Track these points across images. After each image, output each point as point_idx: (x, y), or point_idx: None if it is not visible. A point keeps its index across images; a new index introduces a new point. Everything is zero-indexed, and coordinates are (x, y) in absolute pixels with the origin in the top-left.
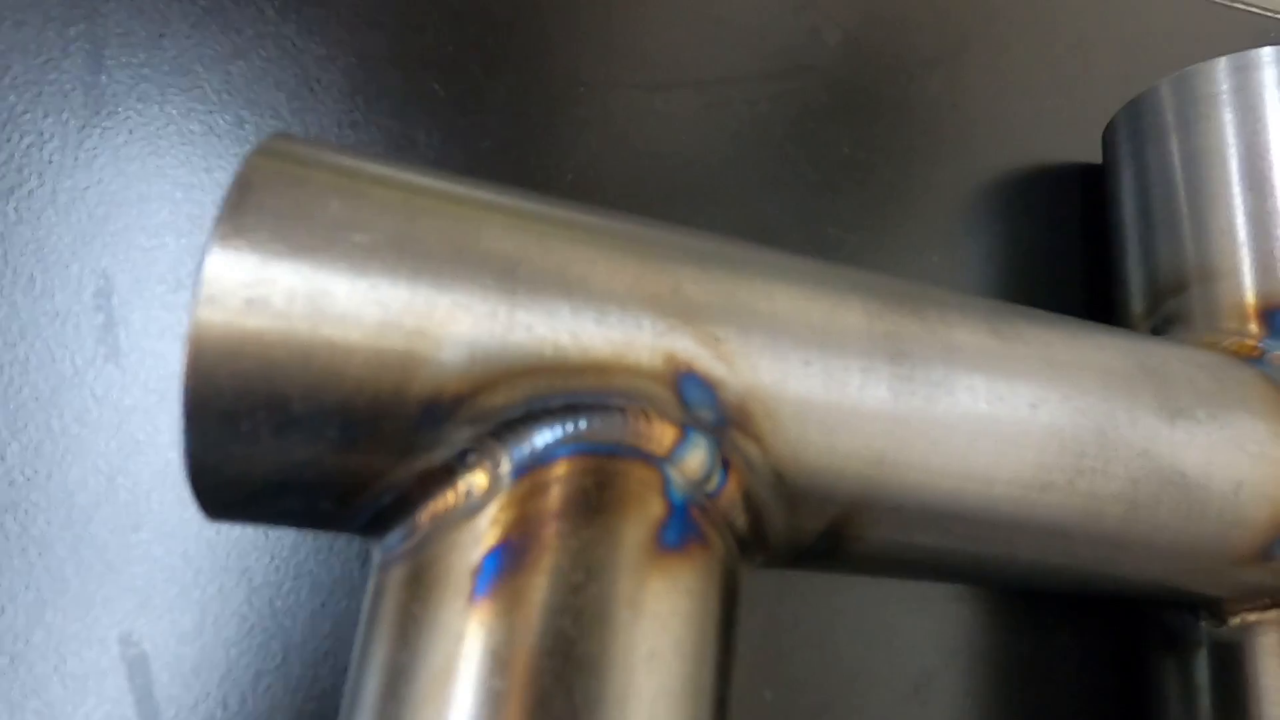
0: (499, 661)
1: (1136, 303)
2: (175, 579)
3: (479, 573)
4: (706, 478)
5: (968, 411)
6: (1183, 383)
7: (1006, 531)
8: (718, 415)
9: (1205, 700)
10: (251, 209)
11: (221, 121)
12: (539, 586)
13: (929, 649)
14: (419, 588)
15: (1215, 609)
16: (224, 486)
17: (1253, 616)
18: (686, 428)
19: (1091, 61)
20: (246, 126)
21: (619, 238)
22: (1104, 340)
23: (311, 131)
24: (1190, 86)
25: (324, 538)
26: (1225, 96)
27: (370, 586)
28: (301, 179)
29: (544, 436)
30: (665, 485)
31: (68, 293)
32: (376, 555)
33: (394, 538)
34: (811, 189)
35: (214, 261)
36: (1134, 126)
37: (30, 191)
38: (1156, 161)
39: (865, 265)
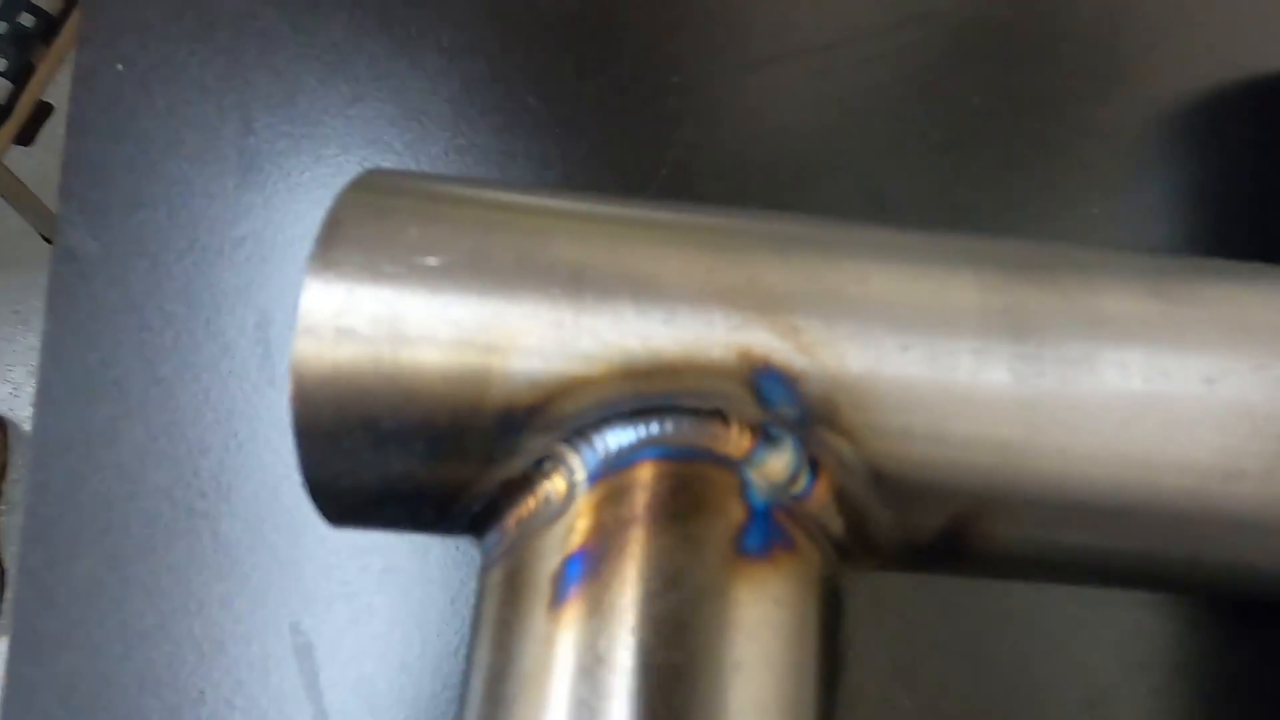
0: (581, 669)
1: None
2: (335, 577)
3: (560, 578)
4: (792, 479)
5: (1118, 391)
6: None
7: (1180, 528)
8: (801, 412)
9: None
10: (339, 242)
11: (347, 164)
12: (617, 594)
13: (1108, 660)
14: (510, 591)
15: None
16: (336, 498)
17: None
18: (766, 426)
19: None
20: (367, 164)
21: (694, 231)
22: (1266, 279)
23: (422, 162)
24: None
25: (460, 540)
26: None
27: (476, 587)
28: (385, 209)
29: (617, 441)
30: (744, 489)
31: (234, 330)
32: (480, 558)
33: (490, 541)
34: (936, 149)
35: (308, 295)
36: None
37: (202, 245)
38: None
39: (1004, 230)
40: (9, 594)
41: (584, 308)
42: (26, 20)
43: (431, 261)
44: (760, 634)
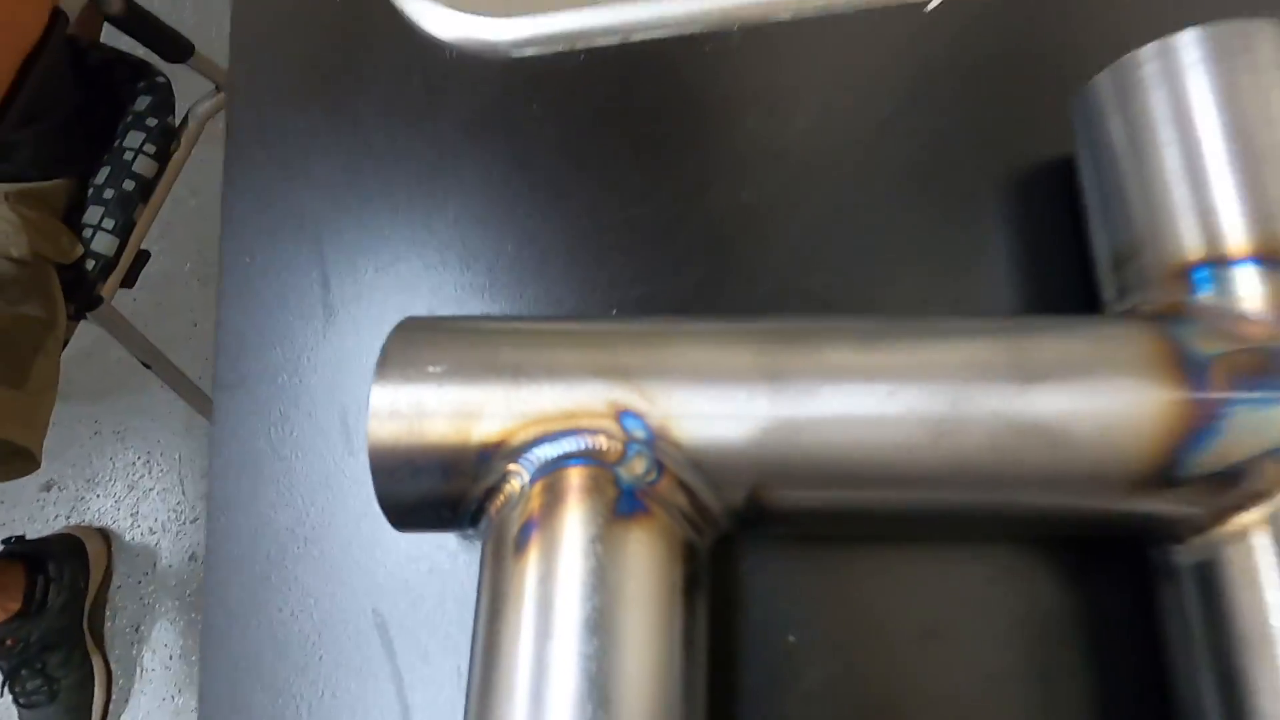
0: (538, 583)
1: (1103, 266)
2: (400, 574)
3: (519, 537)
4: (648, 472)
5: (832, 405)
6: (1047, 351)
7: (890, 485)
8: (648, 433)
9: (1195, 623)
10: (389, 365)
11: (389, 307)
12: (552, 539)
13: (940, 600)
14: (493, 553)
15: (1177, 536)
16: (395, 508)
17: (1201, 538)
18: (629, 444)
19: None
20: (404, 308)
21: (586, 335)
22: (974, 333)
23: (439, 299)
24: (1125, 73)
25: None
26: (1154, 78)
27: (480, 557)
28: (411, 342)
29: (545, 458)
30: (617, 480)
31: (329, 421)
32: (478, 540)
33: (482, 528)
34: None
35: (374, 398)
36: (1084, 113)
37: (306, 368)
38: (1104, 144)
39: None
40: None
41: (521, 385)
42: (129, 185)
43: (434, 370)
44: (630, 562)
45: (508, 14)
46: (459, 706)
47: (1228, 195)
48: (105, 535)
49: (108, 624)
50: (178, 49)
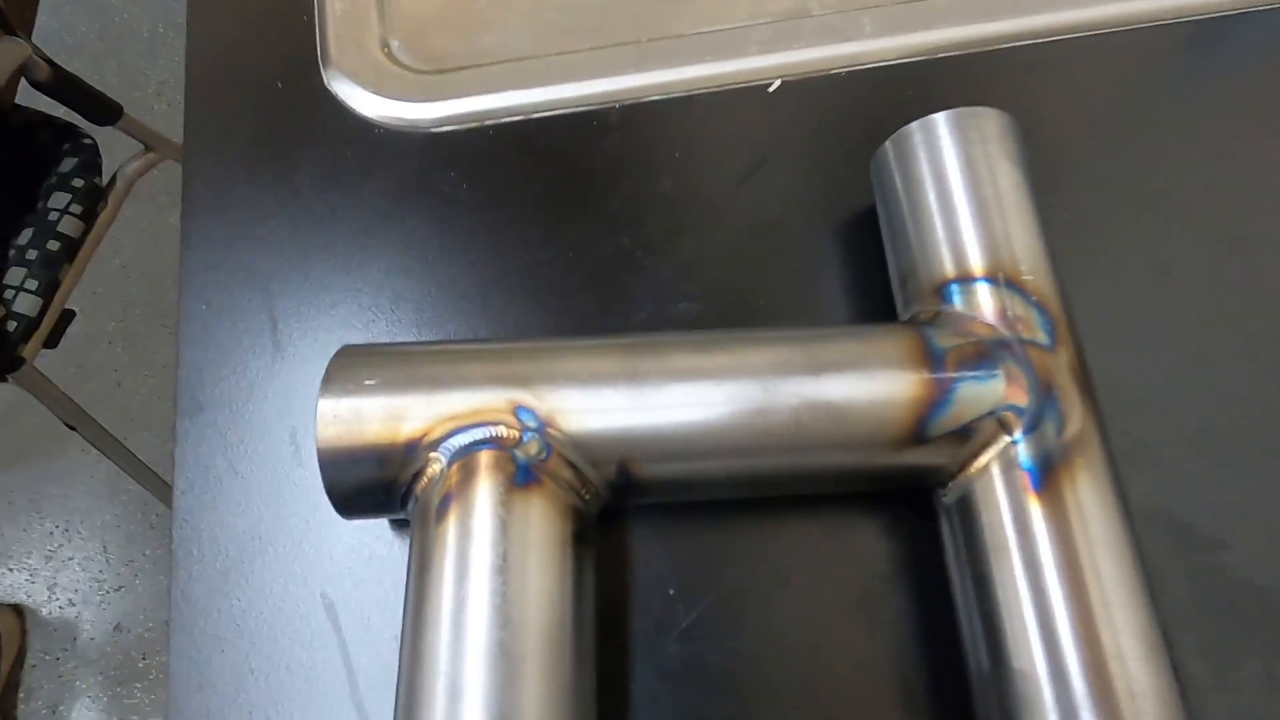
0: (457, 541)
1: (895, 285)
2: (345, 560)
3: (438, 510)
4: (539, 453)
5: (675, 392)
6: (833, 350)
7: (722, 453)
8: (538, 422)
9: (961, 545)
10: (332, 380)
11: (330, 341)
12: (461, 511)
13: (786, 552)
14: (419, 525)
15: (939, 483)
16: (340, 496)
17: (957, 481)
18: (524, 431)
19: None
20: (343, 340)
21: (490, 351)
22: (781, 340)
23: (373, 332)
24: (901, 141)
25: None
26: (920, 146)
27: (410, 533)
28: (350, 363)
29: (458, 446)
30: (514, 458)
31: (279, 437)
32: (409, 520)
33: (411, 508)
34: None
35: (321, 406)
36: (877, 172)
37: (259, 396)
38: (890, 194)
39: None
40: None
41: (438, 393)
42: (53, 245)
43: (369, 383)
44: (527, 525)
45: (428, 99)
46: (396, 665)
47: (969, 231)
48: (18, 611)
49: (20, 706)
50: (107, 112)
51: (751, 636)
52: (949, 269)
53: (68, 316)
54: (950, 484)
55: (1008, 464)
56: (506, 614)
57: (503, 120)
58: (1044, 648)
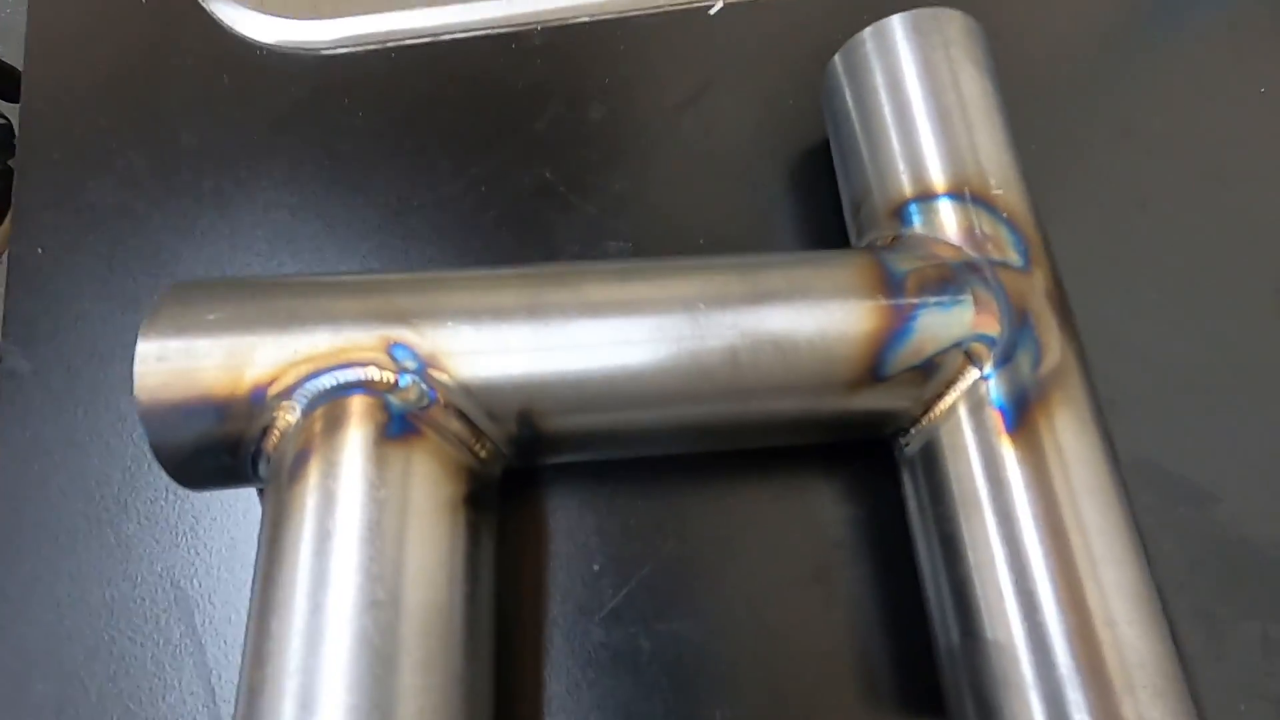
0: (308, 505)
1: (848, 215)
2: (200, 546)
3: (292, 468)
4: (419, 398)
5: (589, 329)
6: (776, 277)
7: (647, 400)
8: (418, 362)
9: (925, 499)
10: (157, 317)
11: None
12: (321, 468)
13: (730, 518)
14: (273, 484)
15: (900, 431)
16: (173, 457)
17: (919, 426)
18: (400, 373)
19: None
20: None
21: (362, 284)
22: (714, 264)
23: None
24: (852, 51)
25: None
26: (873, 55)
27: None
28: (186, 296)
29: (316, 391)
30: (386, 405)
31: (126, 410)
32: (265, 486)
33: (263, 470)
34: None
35: (140, 347)
36: (826, 90)
37: (100, 357)
38: (840, 112)
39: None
40: None
41: (291, 330)
42: None
43: (211, 317)
44: (404, 483)
45: (320, 16)
46: None
47: (928, 145)
48: None
49: None
50: (16, 85)
51: (690, 617)
52: (906, 187)
53: None
54: (912, 430)
55: (976, 403)
56: (375, 595)
57: (407, 42)
58: (1022, 614)
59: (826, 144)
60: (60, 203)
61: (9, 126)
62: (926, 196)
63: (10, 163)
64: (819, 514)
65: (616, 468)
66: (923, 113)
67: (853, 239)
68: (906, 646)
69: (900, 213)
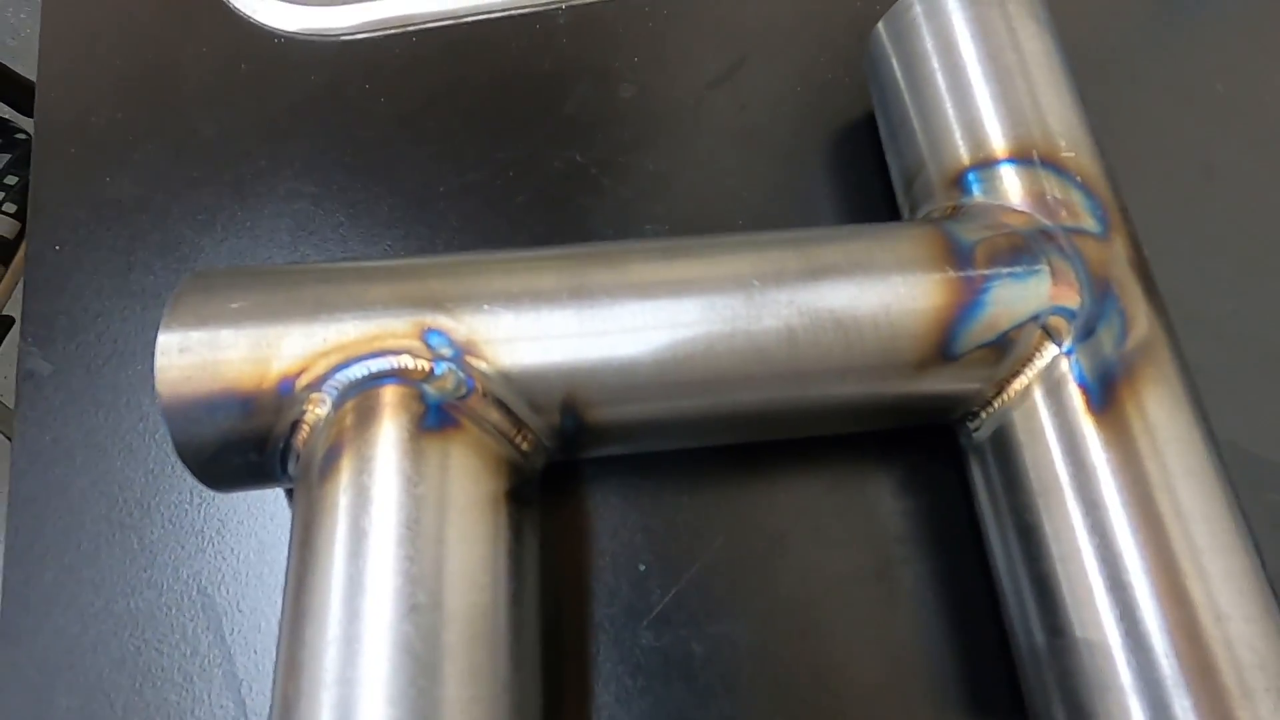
0: (341, 504)
1: (899, 190)
2: (227, 552)
3: (323, 464)
4: (457, 388)
5: (636, 311)
6: (834, 251)
7: (699, 386)
8: (454, 349)
9: (998, 489)
10: (178, 307)
11: None
12: (354, 464)
13: (782, 514)
14: (303, 484)
15: (969, 415)
16: (197, 455)
17: (991, 409)
18: (436, 361)
19: None
20: None
21: (394, 269)
22: (766, 240)
23: None
24: (898, 17)
25: None
26: (921, 19)
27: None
28: (207, 284)
29: (347, 382)
30: (422, 395)
31: (149, 409)
32: (294, 485)
33: (294, 468)
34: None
35: (161, 339)
36: (871, 61)
37: (120, 352)
38: (888, 83)
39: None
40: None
41: (318, 318)
42: None
43: (234, 305)
44: (442, 471)
45: (338, 2)
46: None
47: (987, 109)
48: None
49: None
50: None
51: (743, 619)
52: (964, 155)
53: (6, 323)
54: (982, 414)
55: (1055, 382)
56: (415, 599)
57: (428, 25)
58: (1116, 611)
59: (868, 117)
60: (77, 198)
61: (28, 141)
62: (987, 163)
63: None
64: (877, 506)
65: (659, 460)
66: (980, 75)
67: (905, 215)
68: (977, 647)
69: (959, 182)
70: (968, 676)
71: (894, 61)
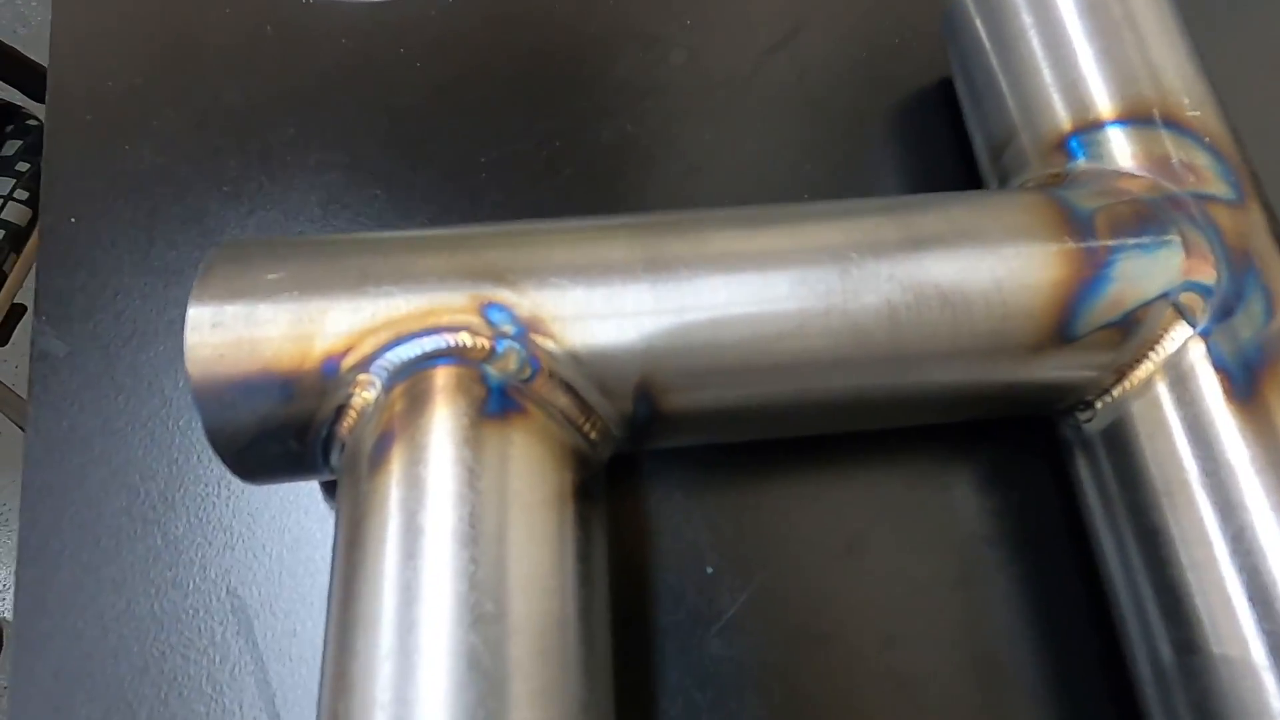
0: (393, 498)
1: (984, 161)
2: (259, 549)
3: (373, 454)
4: (520, 369)
5: (719, 286)
6: (935, 219)
7: (789, 370)
8: (518, 327)
9: (1113, 487)
10: (210, 278)
11: None
12: (407, 453)
13: (858, 514)
14: (349, 475)
15: (1080, 404)
16: (230, 443)
17: (1109, 398)
18: (497, 339)
19: None
20: None
21: (445, 237)
22: (857, 208)
23: None
24: None
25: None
26: None
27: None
28: (241, 255)
29: (399, 361)
30: (483, 377)
31: (171, 388)
32: (337, 476)
33: (336, 460)
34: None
35: (191, 313)
36: (951, 23)
37: (142, 332)
38: (972, 46)
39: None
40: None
41: (365, 291)
42: None
43: (271, 277)
44: (506, 462)
45: None
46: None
47: (1089, 66)
48: None
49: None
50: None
51: (816, 626)
52: (1068, 117)
53: (18, 311)
54: (1097, 404)
55: (1186, 368)
56: (481, 607)
57: None
58: (1260, 626)
59: (938, 84)
60: (93, 168)
61: (39, 127)
62: (1094, 125)
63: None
64: (961, 504)
65: (725, 451)
66: (1080, 31)
67: (985, 176)
68: (1074, 661)
69: (1062, 148)
70: (1064, 693)
71: (978, 20)
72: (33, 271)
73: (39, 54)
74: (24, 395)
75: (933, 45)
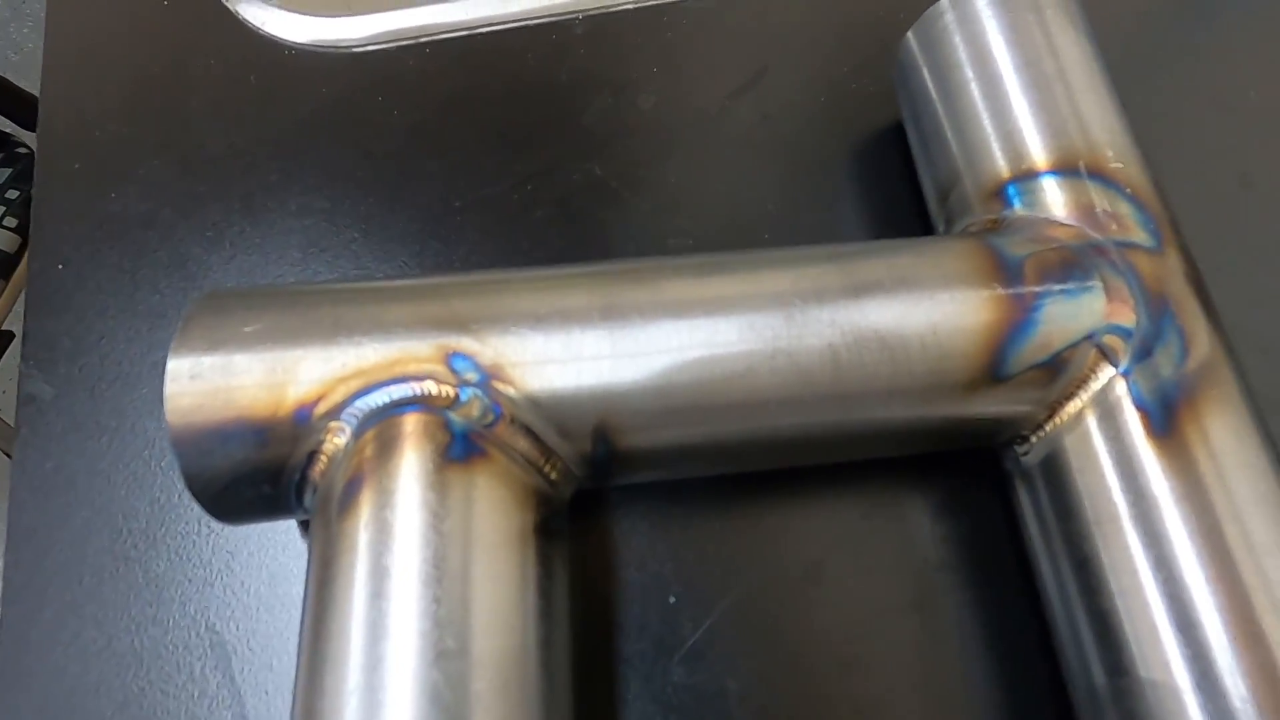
0: (361, 540)
1: (933, 204)
2: (238, 586)
3: (343, 497)
4: (483, 415)
5: (671, 331)
6: (876, 266)
7: (739, 410)
8: (480, 374)
9: (1049, 517)
10: (189, 330)
11: None
12: (376, 497)
13: (816, 542)
14: (320, 518)
15: (1018, 438)
16: (207, 487)
17: (1042, 433)
18: (461, 387)
19: None
20: None
21: (413, 288)
22: (804, 255)
23: None
24: (929, 25)
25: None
26: (953, 26)
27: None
28: (220, 306)
29: (368, 409)
30: (447, 424)
31: (154, 435)
32: (311, 518)
33: (309, 502)
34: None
35: (171, 365)
36: (900, 70)
37: (124, 373)
38: (919, 93)
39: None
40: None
41: (337, 342)
42: None
43: (248, 330)
44: (469, 505)
45: (350, 13)
46: None
47: (1025, 119)
48: None
49: None
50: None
51: (779, 652)
52: (1003, 167)
53: (6, 338)
54: (1032, 438)
55: (1111, 406)
56: (443, 644)
57: (442, 36)
58: (1184, 649)
59: (896, 126)
60: (81, 214)
61: (31, 155)
62: (1029, 175)
63: (33, 191)
64: (916, 533)
65: (688, 485)
66: (1017, 84)
67: (939, 229)
68: (1024, 683)
69: (1000, 195)
70: (1015, 714)
71: (925, 71)
72: (20, 300)
73: (31, 81)
74: (12, 423)
75: (890, 89)
